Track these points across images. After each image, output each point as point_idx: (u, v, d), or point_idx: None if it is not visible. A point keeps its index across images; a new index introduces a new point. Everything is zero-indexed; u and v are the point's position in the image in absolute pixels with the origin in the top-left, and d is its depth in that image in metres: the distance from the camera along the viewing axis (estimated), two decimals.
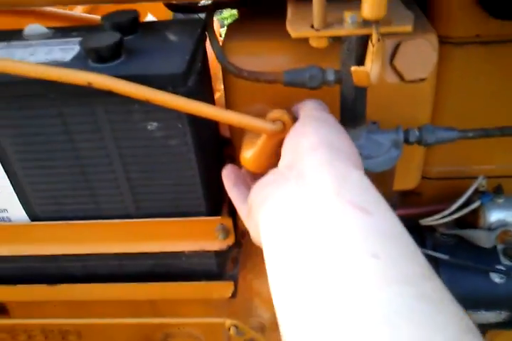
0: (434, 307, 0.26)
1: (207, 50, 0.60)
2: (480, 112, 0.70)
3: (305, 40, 0.50)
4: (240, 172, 0.54)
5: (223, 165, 0.58)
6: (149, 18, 0.87)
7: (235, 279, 0.71)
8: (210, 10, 0.62)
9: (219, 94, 0.78)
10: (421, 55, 0.57)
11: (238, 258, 0.76)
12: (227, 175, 0.53)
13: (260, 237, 0.39)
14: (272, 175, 0.42)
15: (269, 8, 0.62)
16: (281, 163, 0.43)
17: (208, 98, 0.62)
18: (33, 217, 0.63)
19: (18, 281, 0.69)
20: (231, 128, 0.66)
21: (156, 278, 0.69)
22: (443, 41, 0.64)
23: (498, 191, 0.73)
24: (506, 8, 0.56)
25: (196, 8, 0.69)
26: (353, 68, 0.45)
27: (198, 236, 0.63)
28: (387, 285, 0.27)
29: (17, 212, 0.62)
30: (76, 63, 0.51)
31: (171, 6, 0.71)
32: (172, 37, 0.56)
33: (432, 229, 0.78)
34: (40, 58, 0.52)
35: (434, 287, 0.28)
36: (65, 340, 0.91)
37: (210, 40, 0.58)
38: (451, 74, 0.66)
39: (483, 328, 0.83)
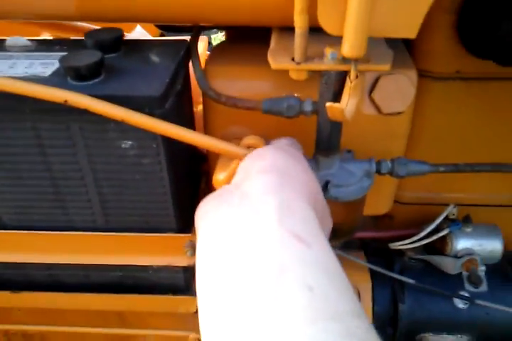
0: None
1: (189, 70, 0.60)
2: (455, 146, 0.71)
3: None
4: None
5: (199, 182, 0.58)
6: (138, 29, 0.86)
7: None
8: (196, 31, 0.62)
9: (200, 107, 0.78)
10: (399, 89, 0.57)
11: None
12: None
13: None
14: (219, 191, 0.41)
15: (256, 32, 0.62)
16: (232, 181, 0.43)
17: (186, 119, 0.62)
18: (1, 225, 0.62)
19: None
20: (207, 150, 0.67)
21: (124, 290, 0.69)
22: (423, 75, 0.65)
23: (466, 220, 0.74)
24: (486, 48, 0.57)
25: (183, 29, 0.69)
26: (328, 104, 0.46)
27: (166, 252, 0.64)
28: (315, 321, 0.27)
29: None
30: (55, 79, 0.51)
31: (159, 25, 0.71)
32: (154, 57, 0.55)
33: (400, 252, 0.79)
34: (20, 71, 0.52)
35: (361, 325, 0.28)
36: None
37: (192, 62, 0.58)
38: (430, 107, 0.68)
39: None
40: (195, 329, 0.78)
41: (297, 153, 0.45)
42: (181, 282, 0.69)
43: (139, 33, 0.88)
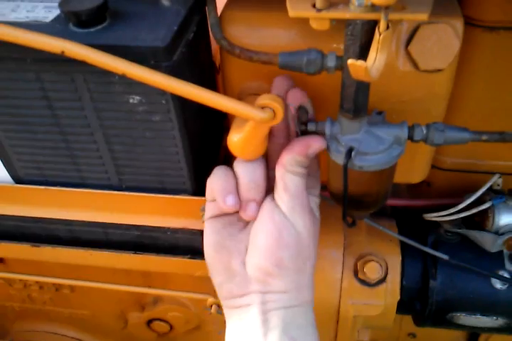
0: None
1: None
2: (505, 112, 0.63)
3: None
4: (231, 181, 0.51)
5: (221, 138, 0.54)
6: None
7: None
8: None
9: None
10: (441, 41, 0.50)
11: None
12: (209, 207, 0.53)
13: None
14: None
15: None
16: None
17: (200, 73, 0.58)
18: (17, 180, 0.61)
19: (9, 237, 0.70)
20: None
21: (143, 249, 0.68)
22: (472, 24, 0.56)
23: None
24: None
25: None
26: (350, 61, 0.40)
27: (181, 214, 0.61)
28: None
29: (1, 173, 0.61)
30: (56, 26, 0.47)
31: None
32: (164, 1, 0.50)
33: (436, 224, 0.73)
34: (21, 16, 0.49)
35: None
36: (58, 292, 0.93)
37: (207, 8, 0.53)
38: (478, 63, 0.59)
39: (478, 331, 0.81)
40: (215, 293, 0.77)
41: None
42: (199, 245, 0.67)
43: None
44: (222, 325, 0.91)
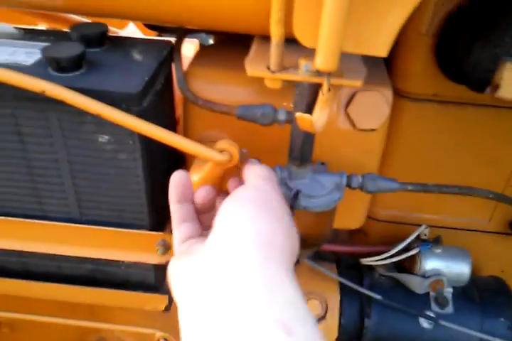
0: None
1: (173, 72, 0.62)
2: (427, 167, 0.73)
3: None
4: (189, 185, 0.48)
5: None
6: (130, 27, 0.88)
7: (171, 294, 0.72)
8: (181, 33, 0.63)
9: None
10: (374, 106, 0.59)
11: None
12: (174, 187, 0.47)
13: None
14: (198, 255, 0.39)
15: (244, 39, 0.63)
16: (210, 239, 0.39)
17: (165, 120, 0.64)
18: None
19: None
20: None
21: (95, 284, 0.70)
22: (401, 95, 0.66)
23: (437, 241, 0.75)
24: (460, 72, 0.58)
25: (170, 30, 0.71)
26: (298, 114, 0.47)
27: (138, 248, 0.65)
28: None
29: None
30: (36, 69, 0.52)
31: (150, 26, 0.73)
32: (137, 55, 0.57)
33: (371, 268, 0.80)
34: (2, 58, 0.54)
35: None
36: None
37: (174, 65, 0.60)
38: (405, 127, 0.69)
39: None
40: (163, 327, 0.79)
41: (274, 197, 0.42)
42: (152, 279, 0.70)
43: (130, 30, 0.89)
44: None
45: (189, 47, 0.72)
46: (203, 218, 0.48)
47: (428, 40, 0.62)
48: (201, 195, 0.47)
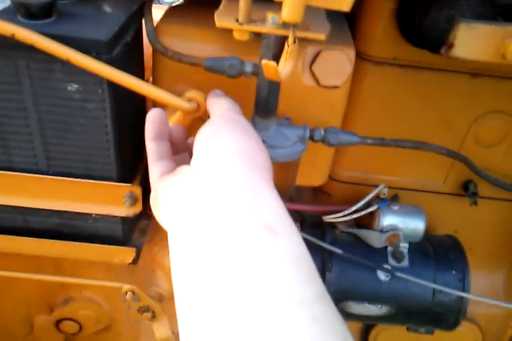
0: (322, 331, 0.29)
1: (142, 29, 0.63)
2: (386, 125, 0.77)
3: (232, 32, 0.54)
4: (165, 122, 0.48)
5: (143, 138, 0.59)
6: None
7: (138, 248, 0.74)
8: None
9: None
10: (337, 64, 0.62)
11: (146, 230, 0.79)
12: (151, 123, 0.47)
13: (164, 226, 0.41)
14: (186, 173, 0.41)
15: None
16: (194, 160, 0.41)
17: (135, 72, 0.64)
18: None
19: None
20: (154, 103, 0.69)
21: (62, 238, 0.71)
22: (362, 58, 0.69)
23: (394, 199, 0.79)
24: (420, 37, 0.62)
25: None
26: (264, 62, 0.49)
27: (105, 201, 0.66)
28: (283, 308, 0.29)
29: None
30: (4, 16, 0.52)
31: None
32: (107, 8, 0.58)
33: (333, 225, 0.83)
34: None
35: (325, 309, 0.31)
36: None
37: (144, 17, 0.61)
38: (366, 87, 0.72)
39: (367, 320, 0.90)
40: (131, 282, 0.80)
41: (245, 123, 0.45)
42: (119, 233, 0.71)
43: None
44: (133, 324, 0.94)
45: (159, 13, 0.72)
46: (176, 159, 0.49)
47: (390, 4, 0.64)
48: (176, 133, 0.49)
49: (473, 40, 0.54)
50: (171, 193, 0.40)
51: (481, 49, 0.54)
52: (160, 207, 0.42)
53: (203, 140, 0.42)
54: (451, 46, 0.56)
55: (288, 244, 0.34)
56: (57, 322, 0.94)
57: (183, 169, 0.42)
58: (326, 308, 0.31)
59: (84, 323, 0.93)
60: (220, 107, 0.47)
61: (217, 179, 0.38)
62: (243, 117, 0.47)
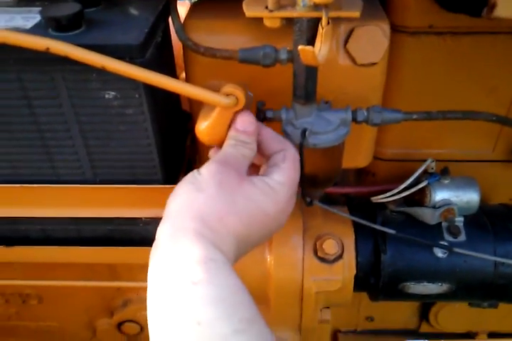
0: None
1: (170, 28, 0.62)
2: (430, 98, 0.74)
3: (262, 21, 0.52)
4: None
5: (185, 138, 0.59)
6: None
7: None
8: None
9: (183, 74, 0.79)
10: (373, 40, 0.59)
11: None
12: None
13: None
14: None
15: None
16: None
17: (168, 72, 0.64)
18: None
19: None
20: (190, 103, 0.68)
21: (116, 244, 0.71)
22: (397, 30, 0.67)
23: (444, 173, 0.77)
24: (457, 1, 0.59)
25: None
26: (300, 47, 0.47)
27: (153, 204, 0.66)
28: None
29: None
30: (36, 30, 0.52)
31: None
32: (134, 11, 0.57)
33: (383, 206, 0.82)
34: (0, 24, 0.53)
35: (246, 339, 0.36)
36: (25, 304, 0.93)
37: (171, 16, 0.60)
38: (404, 61, 0.70)
39: (427, 299, 0.89)
40: None
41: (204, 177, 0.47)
42: None
43: None
44: None
45: (183, 9, 0.71)
46: None
47: None
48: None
49: None
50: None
51: None
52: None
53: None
54: (493, 7, 0.52)
55: (205, 290, 0.38)
56: (119, 325, 0.95)
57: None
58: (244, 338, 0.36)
59: (145, 323, 0.94)
60: (229, 137, 0.53)
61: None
62: (247, 151, 0.51)
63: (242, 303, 0.38)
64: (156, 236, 0.46)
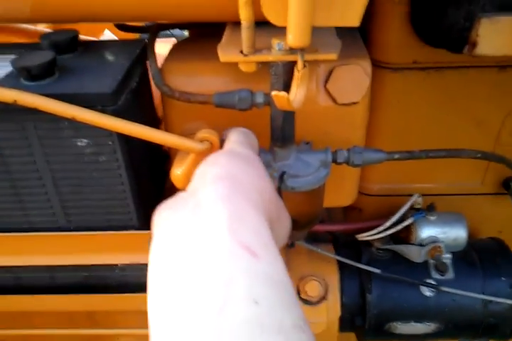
0: None
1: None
2: (414, 136, 0.73)
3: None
4: None
5: (164, 180, 0.57)
6: (106, 33, 0.86)
7: None
8: (153, 31, 0.62)
9: None
10: (354, 79, 0.58)
11: None
12: None
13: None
14: (175, 198, 0.41)
15: (219, 30, 0.62)
16: (188, 188, 0.42)
17: (144, 117, 0.62)
18: None
19: None
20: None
21: (91, 290, 0.69)
22: (380, 66, 0.66)
23: (430, 209, 0.75)
24: (438, 36, 0.58)
25: (143, 29, 0.70)
26: (274, 93, 0.46)
27: (130, 250, 0.64)
28: (260, 335, 0.27)
29: None
30: (8, 81, 0.51)
31: (119, 26, 0.72)
32: (109, 56, 0.56)
33: (368, 243, 0.80)
34: None
35: (304, 338, 0.29)
36: None
37: (149, 60, 0.59)
38: (388, 98, 0.69)
39: (415, 339, 0.86)
40: None
41: (251, 156, 0.45)
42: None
43: (107, 37, 0.87)
44: None
45: (168, 47, 0.71)
46: None
47: (402, 8, 0.62)
48: None
49: (497, 35, 0.50)
50: (162, 214, 0.40)
51: (508, 43, 0.50)
52: (153, 221, 0.41)
53: (199, 168, 0.42)
54: (474, 45, 0.52)
55: (268, 267, 0.32)
56: None
57: (175, 196, 0.41)
58: (305, 338, 0.29)
59: None
60: (230, 140, 0.48)
61: (197, 201, 0.37)
62: (251, 151, 0.46)
63: (294, 300, 0.32)
64: (200, 197, 0.37)
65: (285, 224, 0.46)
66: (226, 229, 0.33)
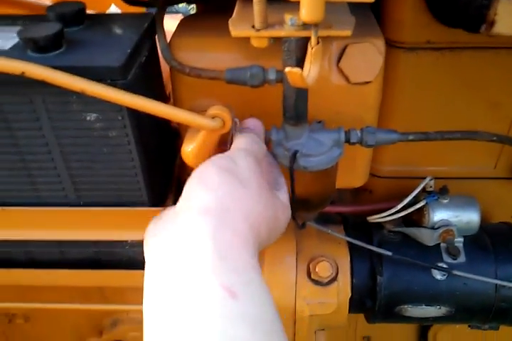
0: None
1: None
2: (428, 116, 0.71)
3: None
4: None
5: (174, 157, 0.57)
6: (112, 8, 0.85)
7: None
8: (162, 4, 0.61)
9: None
10: (367, 58, 0.57)
11: None
12: None
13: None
14: (162, 221, 0.42)
15: (227, 5, 0.60)
16: (180, 200, 0.42)
17: (153, 92, 0.62)
18: None
19: None
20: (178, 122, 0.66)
21: (102, 266, 0.69)
22: (393, 45, 0.64)
23: (443, 192, 0.74)
24: (455, 17, 0.56)
25: (150, 3, 0.68)
26: (287, 69, 0.45)
27: (140, 226, 0.63)
28: None
29: None
30: (14, 52, 0.50)
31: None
32: (117, 30, 0.55)
33: (379, 226, 0.79)
34: None
35: None
36: (11, 323, 0.91)
37: (157, 34, 0.58)
38: (401, 78, 0.67)
39: (425, 322, 0.86)
40: None
41: (245, 172, 0.43)
42: None
43: (113, 11, 0.86)
44: None
45: (174, 23, 0.69)
46: None
47: None
48: None
49: None
50: (149, 242, 0.43)
51: None
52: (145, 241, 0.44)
53: (189, 183, 0.42)
54: (492, 24, 0.50)
55: (246, 306, 0.33)
56: None
57: (167, 212, 0.43)
58: None
59: None
60: (237, 141, 0.48)
61: (183, 233, 0.38)
62: (249, 160, 0.45)
63: (277, 331, 0.34)
64: (186, 228, 0.38)
65: (284, 216, 0.48)
66: (209, 270, 0.34)
